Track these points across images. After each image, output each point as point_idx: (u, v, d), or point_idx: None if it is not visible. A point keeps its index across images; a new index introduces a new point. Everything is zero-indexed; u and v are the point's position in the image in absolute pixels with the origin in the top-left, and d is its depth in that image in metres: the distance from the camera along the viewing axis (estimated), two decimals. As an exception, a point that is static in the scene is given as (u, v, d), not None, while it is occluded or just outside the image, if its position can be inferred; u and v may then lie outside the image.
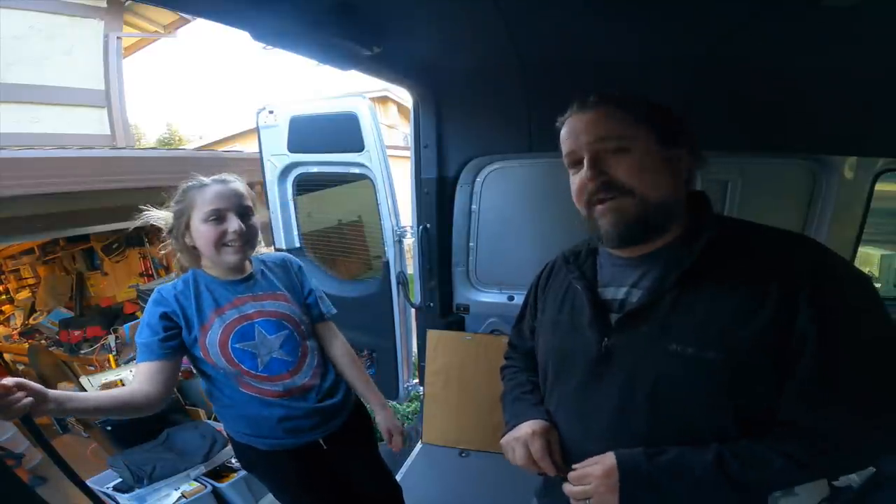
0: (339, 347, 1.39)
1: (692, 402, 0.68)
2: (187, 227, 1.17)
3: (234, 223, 1.14)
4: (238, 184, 1.20)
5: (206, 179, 1.18)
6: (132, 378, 1.11)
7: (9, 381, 0.82)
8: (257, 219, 1.22)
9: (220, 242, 1.14)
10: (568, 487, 0.75)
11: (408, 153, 2.16)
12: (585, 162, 0.73)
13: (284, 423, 1.21)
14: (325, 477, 1.32)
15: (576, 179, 0.77)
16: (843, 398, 0.63)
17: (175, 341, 1.14)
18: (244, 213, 1.17)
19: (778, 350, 0.64)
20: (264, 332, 1.21)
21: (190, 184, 1.19)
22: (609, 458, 0.71)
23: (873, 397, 0.63)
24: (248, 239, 1.17)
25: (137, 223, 1.25)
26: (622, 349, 0.74)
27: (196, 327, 1.16)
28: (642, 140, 0.71)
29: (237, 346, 1.17)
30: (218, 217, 1.14)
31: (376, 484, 1.44)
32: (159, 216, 1.22)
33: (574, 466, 0.75)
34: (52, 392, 0.89)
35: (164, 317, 1.14)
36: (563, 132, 0.78)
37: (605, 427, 0.75)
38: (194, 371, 1.24)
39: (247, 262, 1.26)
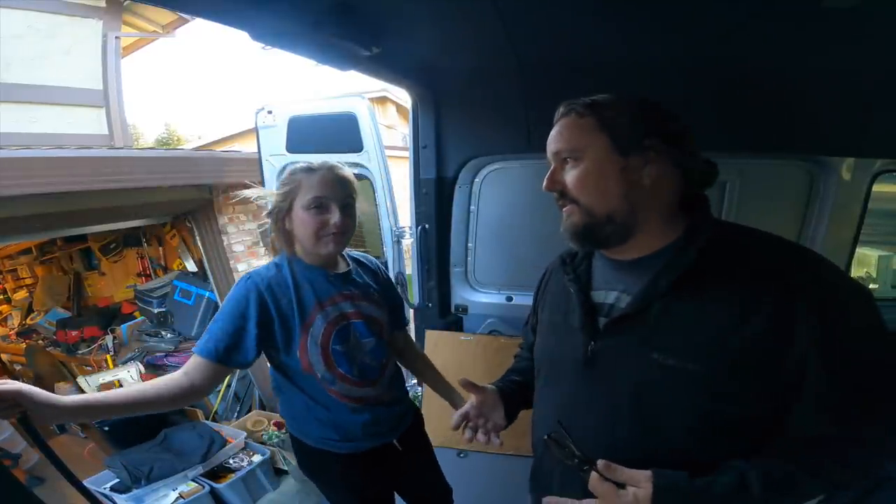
0: (416, 352, 1.44)
1: (673, 411, 0.68)
2: (289, 210, 1.12)
3: (335, 215, 1.09)
4: (346, 172, 1.14)
5: (315, 164, 1.13)
6: (183, 367, 1.04)
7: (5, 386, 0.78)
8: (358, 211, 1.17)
9: (318, 233, 1.09)
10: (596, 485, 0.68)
11: (406, 153, 2.16)
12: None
13: (368, 427, 1.19)
14: (395, 478, 1.32)
15: None
16: (852, 414, 0.63)
17: (244, 354, 1.05)
18: (347, 205, 1.12)
19: (768, 362, 0.63)
20: (358, 334, 1.16)
21: (299, 166, 1.14)
22: (647, 481, 0.64)
23: (880, 411, 0.63)
24: (345, 231, 1.12)
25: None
26: (607, 354, 0.75)
27: (297, 326, 1.09)
28: (595, 150, 0.72)
29: (336, 347, 1.12)
30: (320, 206, 1.09)
31: (435, 484, 1.44)
32: (262, 194, 1.17)
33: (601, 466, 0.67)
34: (54, 400, 0.82)
35: (245, 314, 1.05)
36: None
37: (592, 432, 0.75)
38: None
39: (340, 257, 1.22)
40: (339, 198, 1.11)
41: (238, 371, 3.69)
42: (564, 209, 0.77)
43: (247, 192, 1.19)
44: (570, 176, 0.74)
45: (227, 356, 1.04)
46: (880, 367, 0.62)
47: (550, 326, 0.89)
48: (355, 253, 1.31)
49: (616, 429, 0.73)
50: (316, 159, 1.18)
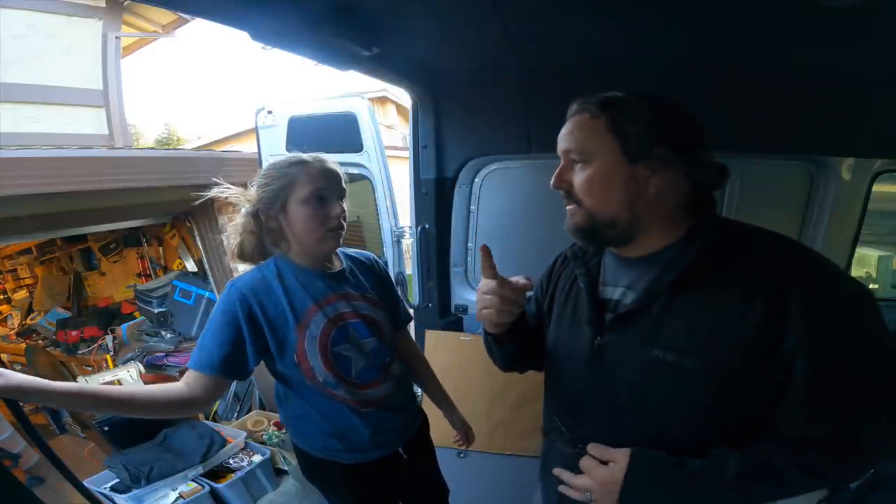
0: (414, 350, 1.38)
1: (670, 407, 0.70)
2: (283, 207, 1.03)
3: (337, 207, 1.04)
4: (337, 164, 1.09)
5: (305, 156, 1.06)
6: (183, 378, 0.99)
7: None
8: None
9: (321, 228, 1.03)
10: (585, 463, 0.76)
11: (406, 153, 2.16)
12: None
13: (376, 437, 1.12)
14: (400, 485, 1.27)
15: None
16: (842, 408, 0.63)
17: (242, 364, 1.00)
18: (343, 197, 1.07)
19: (762, 358, 0.63)
20: (358, 335, 1.09)
21: (286, 159, 1.06)
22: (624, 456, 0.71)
23: (869, 406, 0.62)
24: (343, 226, 1.06)
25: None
26: (610, 349, 0.76)
27: (292, 327, 1.02)
28: (604, 155, 0.71)
29: (335, 348, 1.06)
30: (321, 198, 1.02)
31: (435, 492, 1.41)
32: (235, 192, 1.08)
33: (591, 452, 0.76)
34: (43, 385, 0.78)
35: (237, 323, 0.99)
36: None
37: (594, 428, 0.77)
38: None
39: (334, 256, 1.15)
40: (338, 189, 1.07)
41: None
42: (568, 207, 0.77)
43: (226, 190, 1.09)
44: (578, 178, 0.74)
45: (224, 368, 0.98)
46: (871, 366, 0.62)
47: (559, 319, 0.90)
48: (351, 250, 1.24)
49: (616, 424, 0.74)
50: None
